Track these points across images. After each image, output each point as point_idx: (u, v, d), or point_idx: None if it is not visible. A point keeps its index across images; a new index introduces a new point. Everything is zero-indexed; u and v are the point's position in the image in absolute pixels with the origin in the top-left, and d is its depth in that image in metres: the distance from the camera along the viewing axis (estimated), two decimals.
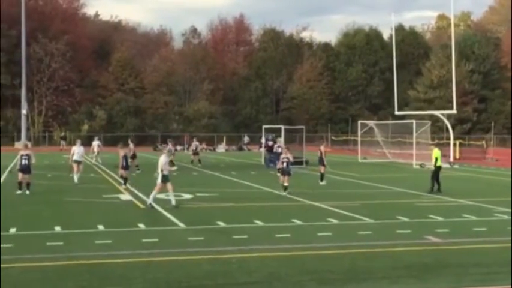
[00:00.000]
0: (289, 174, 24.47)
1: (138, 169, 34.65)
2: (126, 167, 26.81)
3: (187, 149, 57.59)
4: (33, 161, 24.40)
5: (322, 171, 29.45)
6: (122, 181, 26.80)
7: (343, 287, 10.33)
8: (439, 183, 25.69)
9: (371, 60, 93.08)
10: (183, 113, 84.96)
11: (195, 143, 43.97)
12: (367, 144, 54.42)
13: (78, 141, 29.85)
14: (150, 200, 20.27)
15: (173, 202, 20.27)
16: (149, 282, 10.49)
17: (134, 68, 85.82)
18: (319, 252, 13.18)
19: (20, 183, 24.02)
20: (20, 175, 24.10)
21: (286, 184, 24.19)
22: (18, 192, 23.76)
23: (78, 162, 28.47)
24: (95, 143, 45.44)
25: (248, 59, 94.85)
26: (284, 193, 23.86)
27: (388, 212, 19.50)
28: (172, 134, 70.32)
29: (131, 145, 34.14)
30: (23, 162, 23.97)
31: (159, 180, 20.37)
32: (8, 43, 79.44)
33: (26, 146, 24.34)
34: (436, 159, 26.11)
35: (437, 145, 29.59)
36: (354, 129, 65.63)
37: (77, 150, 28.62)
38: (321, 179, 29.13)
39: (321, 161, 29.62)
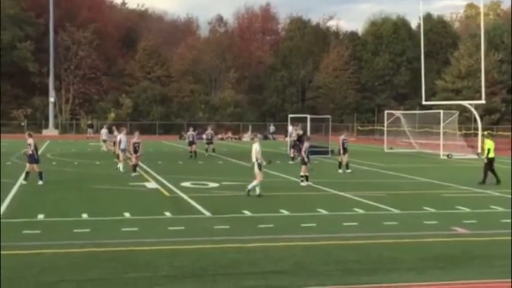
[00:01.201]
0: (304, 163, 24.07)
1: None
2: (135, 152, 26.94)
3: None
4: (36, 149, 23.51)
5: (340, 160, 29.51)
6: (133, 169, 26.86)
7: (369, 277, 10.28)
8: (496, 175, 24.76)
9: (398, 50, 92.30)
10: (209, 101, 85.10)
11: (209, 131, 41.99)
12: (393, 134, 54.05)
13: (124, 130, 29.87)
14: (249, 187, 20.38)
15: (258, 191, 20.28)
16: (175, 270, 10.53)
17: (160, 57, 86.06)
18: (345, 242, 13.12)
19: (27, 173, 23.24)
20: (28, 165, 23.40)
21: (302, 174, 23.97)
22: (24, 182, 22.86)
23: (123, 151, 28.57)
24: (104, 131, 45.75)
25: (274, 48, 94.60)
26: (303, 184, 23.61)
27: (414, 202, 19.36)
28: (198, 123, 70.49)
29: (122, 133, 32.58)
30: (28, 152, 23.22)
31: (256, 170, 20.39)
32: (36, 31, 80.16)
33: (29, 135, 23.79)
34: (489, 150, 24.93)
35: (489, 135, 28.15)
36: (380, 119, 65.26)
37: (123, 139, 28.67)
38: (339, 167, 29.21)
39: (340, 150, 29.69)
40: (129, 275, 10.17)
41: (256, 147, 20.68)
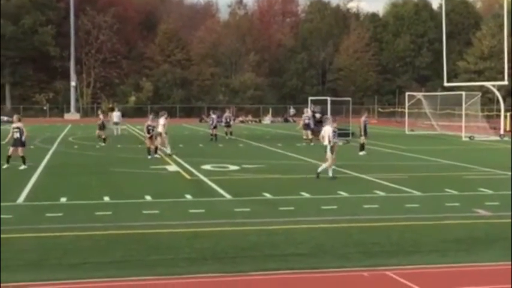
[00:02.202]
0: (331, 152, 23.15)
1: (104, 141, 33.98)
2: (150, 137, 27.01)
3: (234, 120, 57.36)
4: (25, 134, 23.06)
5: (362, 141, 29.44)
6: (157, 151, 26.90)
7: (391, 259, 10.24)
8: None
9: (419, 31, 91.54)
10: (229, 84, 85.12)
11: (227, 114, 42.16)
12: (414, 116, 53.74)
13: (165, 113, 29.81)
14: (319, 170, 20.33)
15: (330, 174, 20.28)
16: (196, 252, 10.57)
17: (180, 40, 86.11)
18: (365, 225, 13.10)
19: (9, 157, 22.53)
20: (11, 149, 22.77)
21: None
22: (5, 166, 22.21)
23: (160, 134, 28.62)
24: (116, 113, 45.96)
25: (294, 30, 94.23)
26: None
27: (436, 184, 19.24)
28: (219, 106, 70.55)
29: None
30: (15, 135, 22.65)
31: (328, 153, 20.32)
32: (57, 16, 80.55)
33: (18, 119, 23.46)
34: None
35: None
36: (401, 100, 64.81)
37: (162, 122, 28.57)
38: (361, 150, 29.10)
39: (361, 132, 29.62)
40: (150, 257, 10.24)
41: (328, 130, 20.53)
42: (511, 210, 14.32)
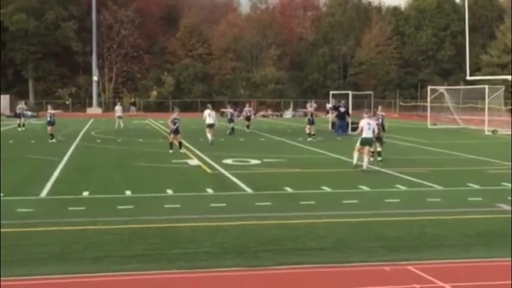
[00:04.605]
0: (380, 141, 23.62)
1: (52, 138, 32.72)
2: (175, 132, 27.10)
3: (254, 114, 57.49)
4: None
5: (381, 136, 29.26)
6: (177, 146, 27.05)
7: (413, 254, 10.19)
8: None
9: (442, 24, 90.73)
10: (250, 78, 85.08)
11: (246, 108, 43.51)
12: (437, 110, 53.38)
13: (209, 106, 32.68)
14: (364, 167, 20.50)
15: (364, 167, 20.42)
16: (217, 246, 10.60)
17: (202, 34, 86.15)
18: (387, 219, 13.04)
19: None
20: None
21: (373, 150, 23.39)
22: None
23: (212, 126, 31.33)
24: (118, 107, 46.51)
25: (315, 24, 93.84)
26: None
27: (458, 179, 19.11)
28: (240, 100, 70.55)
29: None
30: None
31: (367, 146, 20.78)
32: (79, 11, 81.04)
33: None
34: None
35: None
36: (424, 94, 64.40)
37: (211, 114, 31.48)
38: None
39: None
40: (172, 251, 10.28)
41: (372, 123, 21.01)
42: None
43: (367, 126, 20.88)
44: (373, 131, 21.14)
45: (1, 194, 15.28)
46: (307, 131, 34.65)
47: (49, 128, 32.59)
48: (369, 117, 21.79)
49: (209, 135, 31.06)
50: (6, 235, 11.22)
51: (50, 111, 32.90)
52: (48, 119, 32.96)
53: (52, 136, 32.27)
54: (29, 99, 76.26)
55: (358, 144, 20.88)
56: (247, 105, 45.22)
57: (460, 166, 22.79)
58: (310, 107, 36.70)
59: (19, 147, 29.11)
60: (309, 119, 35.42)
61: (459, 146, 31.45)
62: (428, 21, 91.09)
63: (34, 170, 20.78)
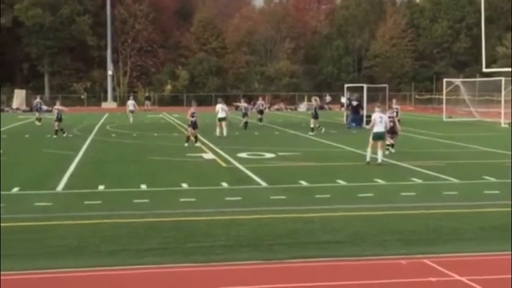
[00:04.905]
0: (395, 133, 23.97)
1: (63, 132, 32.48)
2: (193, 126, 27.13)
3: (268, 108, 57.55)
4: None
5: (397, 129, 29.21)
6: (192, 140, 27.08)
7: (429, 247, 10.16)
8: None
9: (457, 16, 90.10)
10: (264, 72, 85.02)
11: (260, 101, 43.41)
12: (452, 103, 53.05)
13: (221, 100, 33.72)
14: (379, 160, 20.50)
15: (379, 160, 20.44)
16: (232, 240, 10.62)
17: (216, 28, 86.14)
18: (403, 212, 13.00)
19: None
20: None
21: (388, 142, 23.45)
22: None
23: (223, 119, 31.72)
24: (131, 102, 46.33)
25: (330, 17, 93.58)
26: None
27: (474, 172, 19.00)
28: (254, 94, 70.51)
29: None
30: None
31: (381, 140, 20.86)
32: (94, 5, 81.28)
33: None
34: None
35: None
36: (439, 87, 64.07)
37: (225, 108, 32.21)
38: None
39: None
40: (187, 245, 10.31)
41: (384, 116, 21.06)
42: None
43: (378, 119, 20.83)
44: (386, 125, 21.08)
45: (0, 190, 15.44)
46: (311, 125, 34.59)
47: (56, 123, 32.10)
48: (381, 110, 21.73)
49: (218, 129, 31.49)
50: (24, 228, 11.39)
51: (57, 107, 32.80)
52: (56, 114, 32.58)
53: (56, 132, 31.79)
54: (44, 93, 76.62)
55: (370, 140, 20.79)
56: (260, 98, 45.38)
57: (476, 159, 22.67)
58: (315, 101, 36.71)
59: (35, 142, 29.31)
60: (312, 113, 35.45)
61: (475, 138, 31.26)
62: (443, 13, 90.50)
63: (50, 164, 20.91)
